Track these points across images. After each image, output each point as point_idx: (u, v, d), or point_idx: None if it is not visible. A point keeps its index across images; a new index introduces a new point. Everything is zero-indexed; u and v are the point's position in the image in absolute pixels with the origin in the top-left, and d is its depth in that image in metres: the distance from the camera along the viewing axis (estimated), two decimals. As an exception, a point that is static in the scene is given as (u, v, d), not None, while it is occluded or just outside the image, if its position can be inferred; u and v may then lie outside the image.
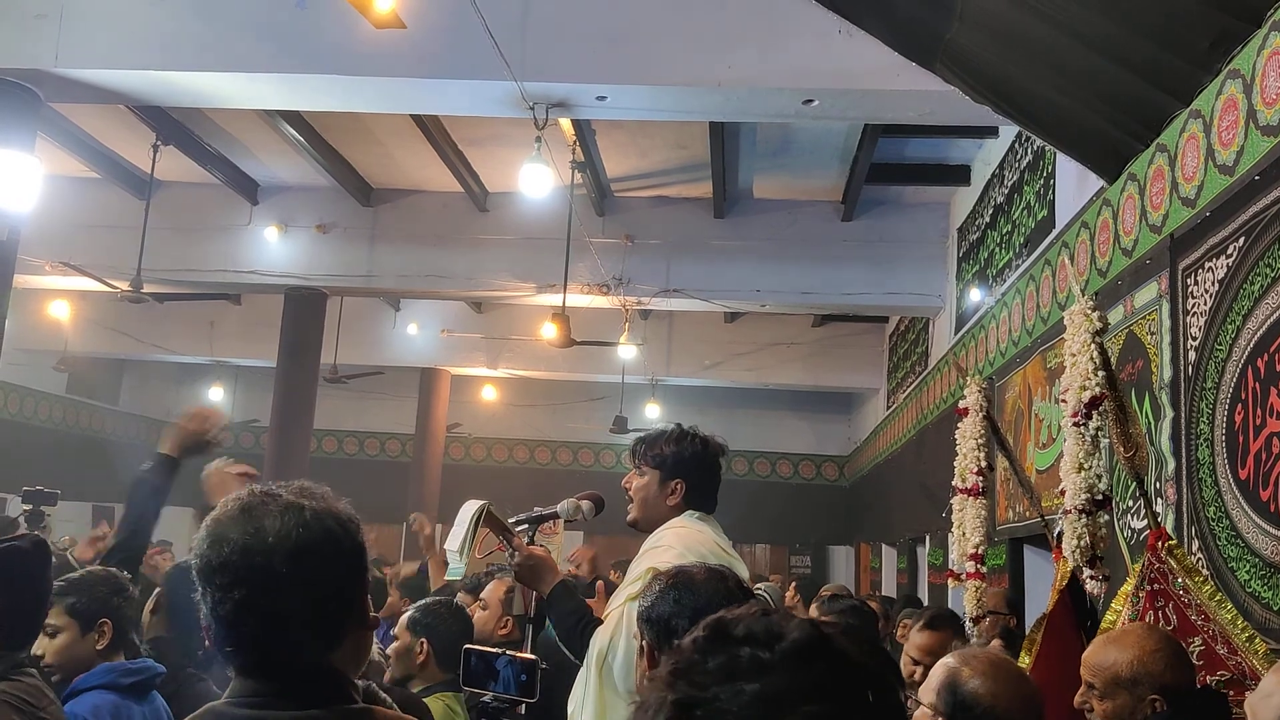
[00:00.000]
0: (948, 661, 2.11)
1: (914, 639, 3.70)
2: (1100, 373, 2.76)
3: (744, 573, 2.36)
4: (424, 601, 3.29)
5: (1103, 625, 2.89)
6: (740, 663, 0.83)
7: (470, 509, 2.75)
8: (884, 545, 12.79)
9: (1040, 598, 5.69)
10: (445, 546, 2.78)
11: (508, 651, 2.04)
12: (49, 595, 2.45)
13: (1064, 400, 2.90)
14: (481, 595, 3.75)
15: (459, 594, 4.17)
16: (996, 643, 4.28)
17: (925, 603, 8.21)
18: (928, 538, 9.49)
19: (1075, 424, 2.82)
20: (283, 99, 6.81)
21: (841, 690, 0.83)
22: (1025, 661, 3.04)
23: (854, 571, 15.56)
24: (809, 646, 0.84)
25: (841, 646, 0.86)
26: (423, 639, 3.08)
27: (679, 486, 2.75)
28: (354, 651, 1.41)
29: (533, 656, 2.04)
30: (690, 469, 2.78)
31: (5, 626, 2.23)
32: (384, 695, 1.94)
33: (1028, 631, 4.47)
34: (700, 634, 0.87)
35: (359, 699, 1.39)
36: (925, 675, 3.37)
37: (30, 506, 6.15)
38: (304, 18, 5.97)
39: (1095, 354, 2.78)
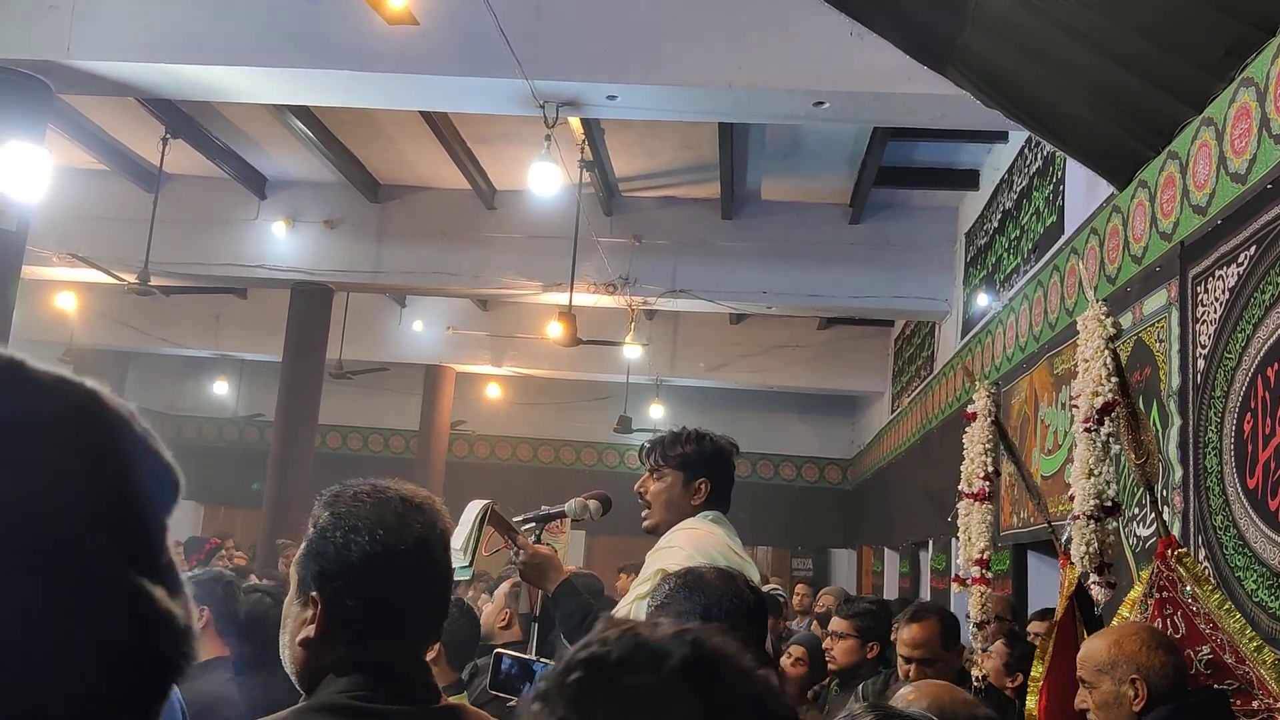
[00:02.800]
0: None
1: (903, 634, 3.68)
2: (1113, 379, 2.75)
3: (754, 574, 2.36)
4: None
5: (1109, 632, 2.88)
6: (629, 696, 0.74)
7: (474, 509, 2.74)
8: (886, 549, 12.78)
9: (1042, 603, 5.68)
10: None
11: (542, 659, 2.04)
12: None
13: (1076, 405, 2.89)
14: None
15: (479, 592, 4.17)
16: (1000, 644, 4.28)
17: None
18: (930, 542, 9.48)
19: (1087, 430, 2.81)
20: (293, 94, 6.82)
21: (744, 710, 0.76)
22: (1039, 670, 3.04)
23: (856, 575, 15.55)
24: (699, 664, 0.76)
25: (734, 658, 0.79)
26: (436, 643, 3.04)
27: (704, 486, 2.74)
28: (427, 650, 1.48)
29: None
30: (713, 467, 2.77)
31: None
32: None
33: (1030, 636, 4.47)
34: (577, 673, 0.76)
35: (442, 697, 1.43)
36: (919, 672, 3.37)
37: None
38: (316, 13, 5.98)
39: (1108, 359, 2.77)
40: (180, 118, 8.79)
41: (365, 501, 1.39)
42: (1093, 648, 2.49)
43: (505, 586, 3.65)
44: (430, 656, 2.99)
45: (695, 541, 2.60)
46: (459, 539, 2.72)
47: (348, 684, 1.35)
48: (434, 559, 1.40)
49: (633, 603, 2.51)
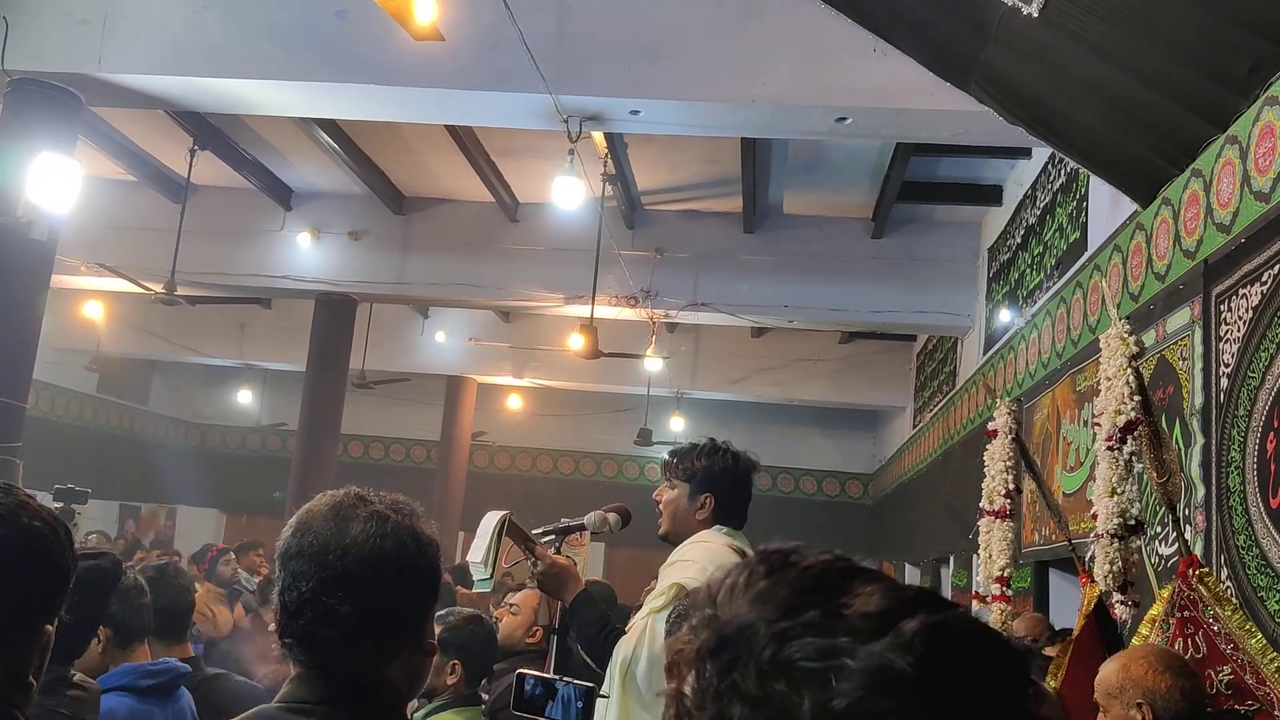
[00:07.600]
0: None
1: None
2: (1136, 397, 2.74)
3: None
4: (452, 619, 3.19)
5: (1129, 651, 2.87)
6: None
7: (492, 520, 2.75)
8: (907, 564, 12.71)
9: (1064, 622, 5.65)
10: (468, 559, 2.78)
11: (565, 677, 2.04)
12: (103, 617, 2.47)
13: (1098, 424, 2.89)
14: (514, 600, 3.72)
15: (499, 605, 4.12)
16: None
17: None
18: (952, 558, 9.43)
19: (1109, 448, 2.80)
20: (320, 107, 6.88)
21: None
22: (1052, 685, 3.03)
23: (876, 590, 15.45)
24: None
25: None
26: (455, 660, 3.04)
27: (708, 501, 2.76)
28: (408, 673, 1.40)
29: (590, 684, 2.03)
30: (720, 484, 2.78)
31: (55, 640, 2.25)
32: None
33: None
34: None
35: (406, 715, 1.39)
36: None
37: (62, 504, 6.21)
38: (343, 27, 6.04)
39: (1131, 378, 2.77)
40: (208, 130, 8.88)
41: (324, 500, 1.36)
42: (1105, 671, 2.50)
43: (534, 599, 3.58)
44: (449, 680, 3.00)
45: (709, 554, 2.61)
46: (478, 552, 2.73)
47: (291, 691, 1.32)
48: (379, 567, 1.31)
49: (649, 616, 2.52)
